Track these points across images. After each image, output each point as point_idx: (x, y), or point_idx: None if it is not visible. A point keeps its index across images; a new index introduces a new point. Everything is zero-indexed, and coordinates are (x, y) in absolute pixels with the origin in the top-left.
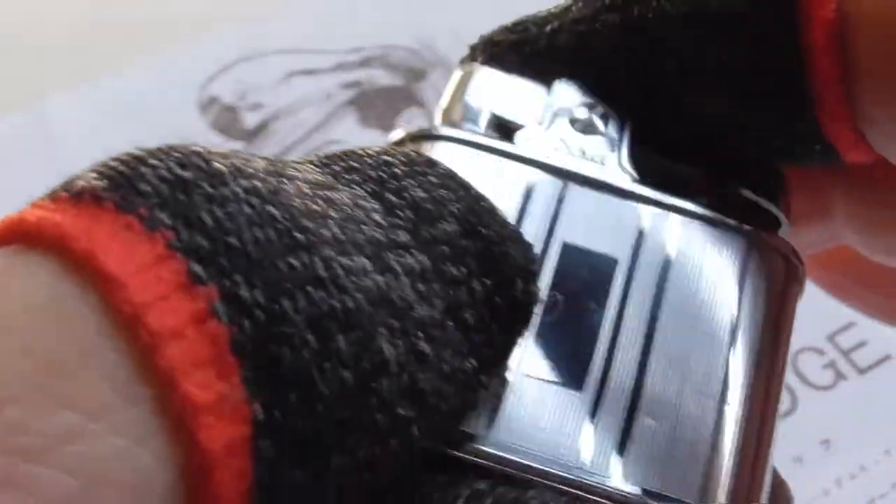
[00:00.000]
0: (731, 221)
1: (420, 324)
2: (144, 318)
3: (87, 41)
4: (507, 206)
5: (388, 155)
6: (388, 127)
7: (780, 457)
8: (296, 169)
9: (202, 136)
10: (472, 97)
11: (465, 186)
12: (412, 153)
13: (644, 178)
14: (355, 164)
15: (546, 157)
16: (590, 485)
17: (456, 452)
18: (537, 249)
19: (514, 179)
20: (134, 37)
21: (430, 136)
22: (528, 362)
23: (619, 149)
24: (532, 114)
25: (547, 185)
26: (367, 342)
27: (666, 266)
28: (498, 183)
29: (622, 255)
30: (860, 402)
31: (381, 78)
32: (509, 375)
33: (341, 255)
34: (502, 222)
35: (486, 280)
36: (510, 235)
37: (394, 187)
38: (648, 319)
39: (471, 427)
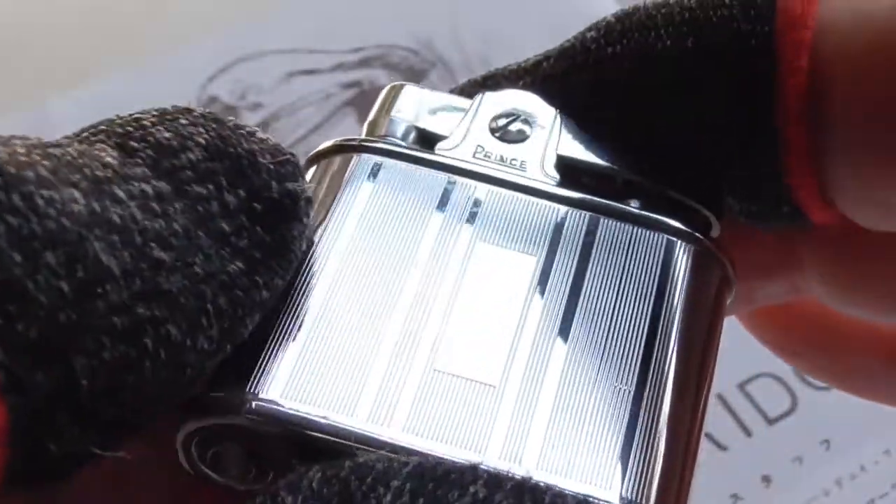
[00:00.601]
0: (659, 221)
1: (154, 236)
2: None
3: (87, 41)
4: (424, 209)
5: (143, 113)
6: None
7: (780, 457)
8: (24, 137)
9: None
10: (397, 112)
11: (218, 121)
12: (171, 107)
13: (572, 181)
14: (104, 127)
15: (463, 163)
16: (501, 474)
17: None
18: (453, 251)
19: (431, 184)
20: (134, 37)
21: (352, 146)
22: (440, 358)
23: (544, 154)
24: (454, 125)
25: (463, 189)
26: (79, 255)
27: (583, 265)
28: (415, 187)
29: (538, 254)
30: (860, 402)
31: (381, 78)
32: (420, 370)
33: (44, 189)
34: (256, 140)
35: (239, 191)
36: (262, 148)
37: (138, 136)
38: (564, 316)
39: (357, 413)
